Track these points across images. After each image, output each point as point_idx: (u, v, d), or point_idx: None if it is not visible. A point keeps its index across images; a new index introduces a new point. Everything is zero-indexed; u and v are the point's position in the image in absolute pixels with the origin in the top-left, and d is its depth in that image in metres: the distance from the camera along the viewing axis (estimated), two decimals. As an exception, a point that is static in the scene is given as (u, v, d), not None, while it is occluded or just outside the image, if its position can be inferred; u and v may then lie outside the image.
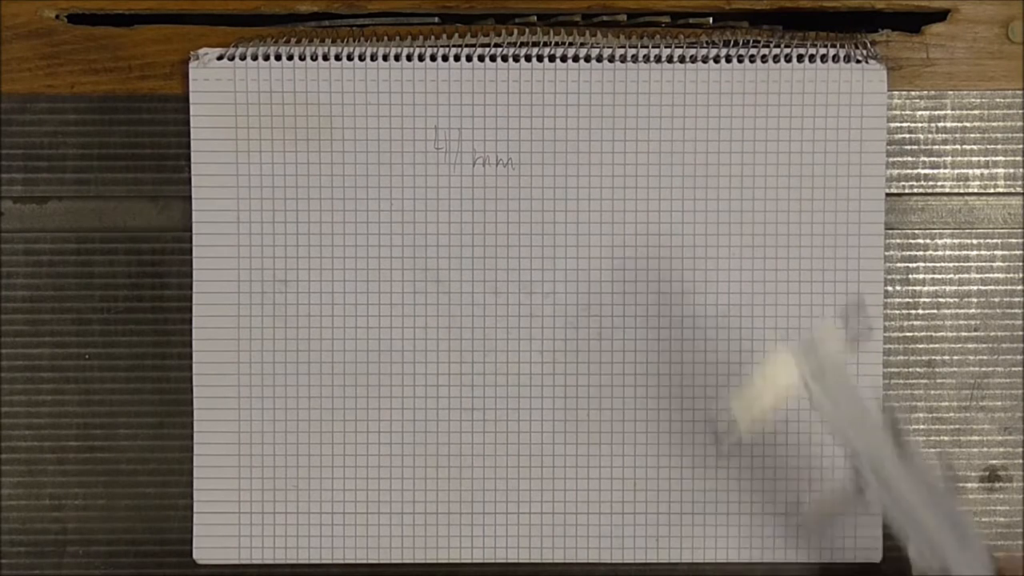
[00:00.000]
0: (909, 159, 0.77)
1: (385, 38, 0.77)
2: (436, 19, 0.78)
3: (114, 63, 0.77)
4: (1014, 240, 0.77)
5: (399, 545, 0.77)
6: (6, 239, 0.78)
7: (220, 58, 0.76)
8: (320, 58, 0.76)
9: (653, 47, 0.76)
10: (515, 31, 0.77)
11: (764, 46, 0.76)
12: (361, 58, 0.76)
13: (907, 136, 0.77)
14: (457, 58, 0.76)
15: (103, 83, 0.77)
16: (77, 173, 0.78)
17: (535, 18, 0.78)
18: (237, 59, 0.76)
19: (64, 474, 0.78)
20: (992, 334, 0.77)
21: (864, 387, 0.76)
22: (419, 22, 0.78)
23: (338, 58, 0.76)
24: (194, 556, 0.77)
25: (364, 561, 0.77)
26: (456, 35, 0.77)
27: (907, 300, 0.77)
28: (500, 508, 0.77)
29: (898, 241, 0.77)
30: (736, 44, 0.76)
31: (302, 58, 0.76)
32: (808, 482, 0.76)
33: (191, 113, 0.76)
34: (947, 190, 0.77)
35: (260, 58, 0.76)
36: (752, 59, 0.76)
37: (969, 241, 0.77)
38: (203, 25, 0.77)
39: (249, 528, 0.77)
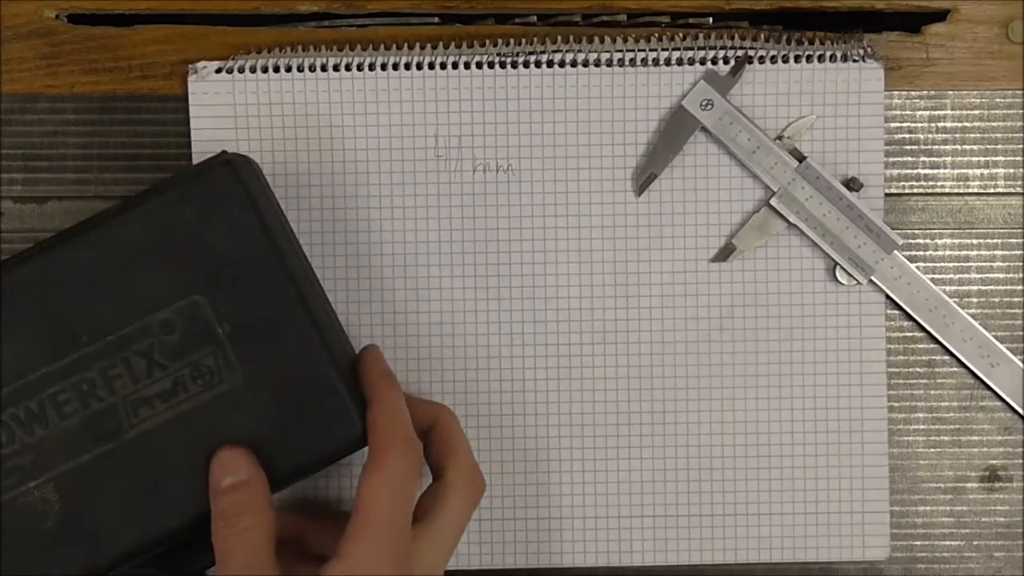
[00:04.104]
0: (909, 159, 0.77)
1: (382, 47, 0.77)
2: (436, 19, 0.78)
3: (114, 63, 0.77)
4: (1014, 240, 0.77)
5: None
6: (6, 239, 0.78)
7: (219, 71, 0.76)
8: (319, 68, 0.76)
9: (651, 50, 0.76)
10: (511, 40, 0.76)
11: (763, 47, 0.76)
12: (360, 67, 0.76)
13: (907, 136, 0.77)
14: (456, 65, 0.76)
15: (103, 83, 0.77)
16: (77, 173, 0.77)
17: (535, 18, 0.77)
18: (236, 71, 0.76)
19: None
20: (992, 334, 0.77)
21: (868, 386, 0.77)
22: (419, 22, 0.78)
23: (336, 68, 0.76)
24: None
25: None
26: (453, 43, 0.76)
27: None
28: (496, 515, 0.77)
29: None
30: (735, 45, 0.76)
31: (300, 69, 0.76)
32: (814, 480, 0.77)
33: (191, 126, 0.76)
34: (947, 190, 0.77)
35: (259, 70, 0.76)
36: (751, 59, 0.76)
37: (969, 241, 0.77)
38: (203, 25, 0.77)
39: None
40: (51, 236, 0.67)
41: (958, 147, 0.77)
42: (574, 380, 0.77)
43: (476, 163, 0.76)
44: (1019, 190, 0.77)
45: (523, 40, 0.76)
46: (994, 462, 0.78)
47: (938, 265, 0.77)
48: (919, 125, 0.77)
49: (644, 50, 0.76)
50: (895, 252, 0.75)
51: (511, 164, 0.76)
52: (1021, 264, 0.77)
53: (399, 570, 0.62)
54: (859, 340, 0.77)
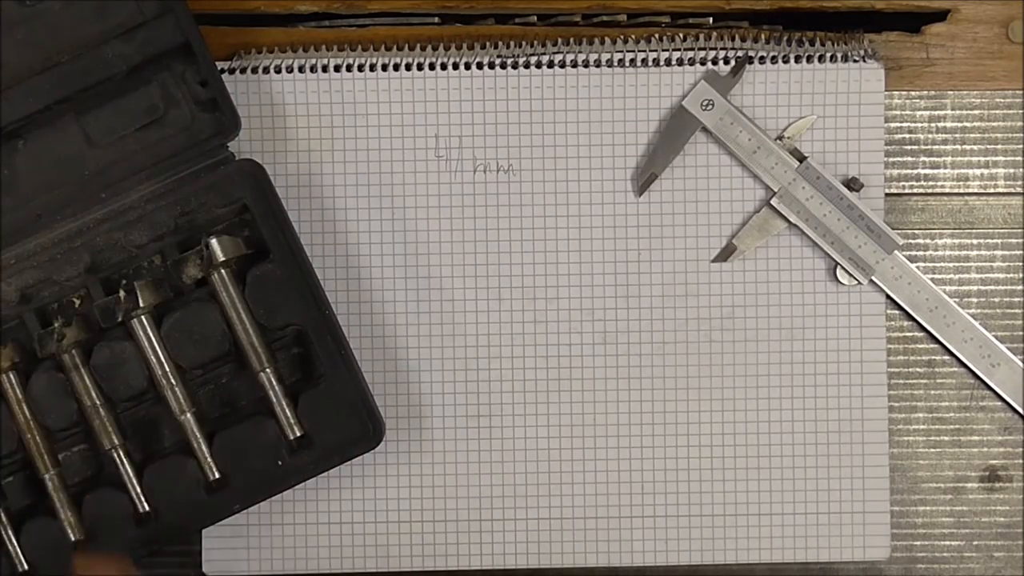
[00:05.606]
0: (909, 159, 0.77)
1: (383, 47, 0.77)
2: (436, 19, 0.78)
3: (115, 63, 0.77)
4: (1014, 240, 0.77)
5: (408, 553, 0.77)
6: (7, 239, 0.77)
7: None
8: (320, 69, 0.76)
9: (651, 51, 0.76)
10: (512, 41, 0.76)
11: (764, 47, 0.76)
12: (360, 68, 0.76)
13: (907, 136, 0.77)
14: (456, 66, 0.76)
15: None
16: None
17: (535, 18, 0.77)
18: (236, 71, 0.76)
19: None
20: (992, 334, 0.77)
21: (868, 386, 0.77)
22: (419, 22, 0.78)
23: (336, 68, 0.76)
24: (203, 569, 0.77)
25: (374, 569, 0.77)
26: (454, 44, 0.76)
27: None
28: (497, 515, 0.77)
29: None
30: (735, 46, 0.76)
31: (300, 69, 0.76)
32: (815, 480, 0.77)
33: (193, 128, 0.76)
34: (947, 190, 0.77)
35: (260, 71, 0.76)
36: (751, 60, 0.76)
37: (969, 241, 0.77)
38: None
39: (258, 540, 0.77)
40: None
41: (958, 147, 0.77)
42: (575, 380, 0.77)
43: (476, 163, 0.76)
44: (1019, 190, 0.77)
45: (523, 41, 0.77)
46: (994, 462, 0.78)
47: (938, 265, 0.77)
48: (919, 125, 0.77)
49: (644, 50, 0.76)
50: (895, 252, 0.75)
51: (511, 164, 0.76)
52: (1021, 264, 0.77)
53: None
54: (859, 340, 0.77)
